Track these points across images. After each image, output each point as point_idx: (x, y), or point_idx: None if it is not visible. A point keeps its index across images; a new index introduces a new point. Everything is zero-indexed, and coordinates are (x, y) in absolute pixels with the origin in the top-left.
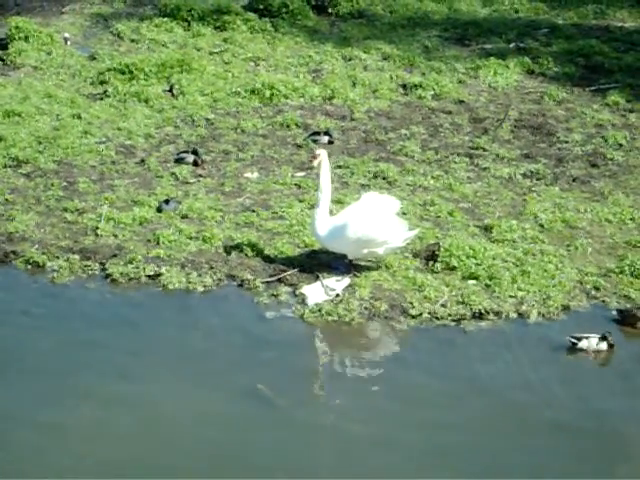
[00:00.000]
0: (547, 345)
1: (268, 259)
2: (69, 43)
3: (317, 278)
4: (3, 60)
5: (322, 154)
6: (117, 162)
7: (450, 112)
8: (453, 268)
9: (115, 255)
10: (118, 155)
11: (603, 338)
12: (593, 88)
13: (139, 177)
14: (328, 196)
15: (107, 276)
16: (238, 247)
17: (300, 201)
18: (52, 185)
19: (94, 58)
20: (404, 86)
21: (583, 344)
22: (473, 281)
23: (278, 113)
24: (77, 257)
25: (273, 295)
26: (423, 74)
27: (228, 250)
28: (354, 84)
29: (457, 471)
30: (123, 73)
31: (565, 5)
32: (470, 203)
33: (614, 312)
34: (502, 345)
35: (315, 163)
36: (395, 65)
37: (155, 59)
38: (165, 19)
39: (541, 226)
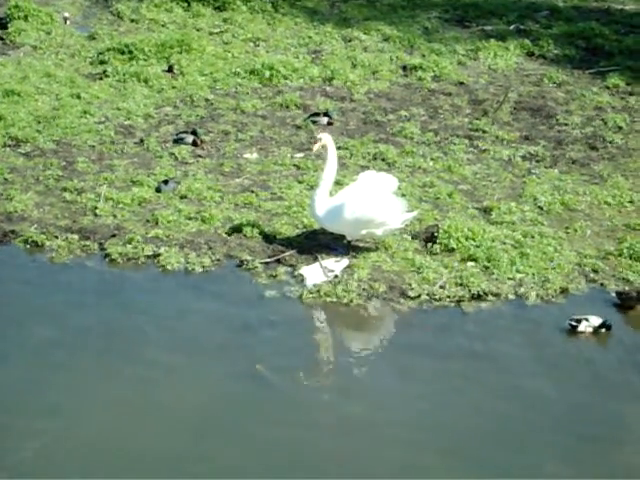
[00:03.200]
0: (545, 327)
1: (267, 240)
2: (69, 23)
3: (316, 259)
4: (3, 39)
5: (326, 137)
6: (116, 142)
7: (450, 94)
8: (452, 250)
9: (114, 235)
10: (117, 135)
11: (602, 325)
12: (593, 70)
13: (138, 157)
14: (331, 179)
15: (106, 256)
16: (237, 228)
17: (299, 182)
18: (51, 165)
19: (94, 38)
20: (404, 67)
21: (582, 327)
22: (472, 263)
23: (278, 94)
24: (76, 237)
25: (272, 276)
26: (423, 55)
27: (227, 231)
28: (354, 65)
29: (451, 455)
30: (123, 53)
31: None
32: (469, 185)
33: (613, 294)
34: (500, 326)
35: (315, 147)
36: (395, 46)
37: (155, 39)
38: None
39: (540, 208)
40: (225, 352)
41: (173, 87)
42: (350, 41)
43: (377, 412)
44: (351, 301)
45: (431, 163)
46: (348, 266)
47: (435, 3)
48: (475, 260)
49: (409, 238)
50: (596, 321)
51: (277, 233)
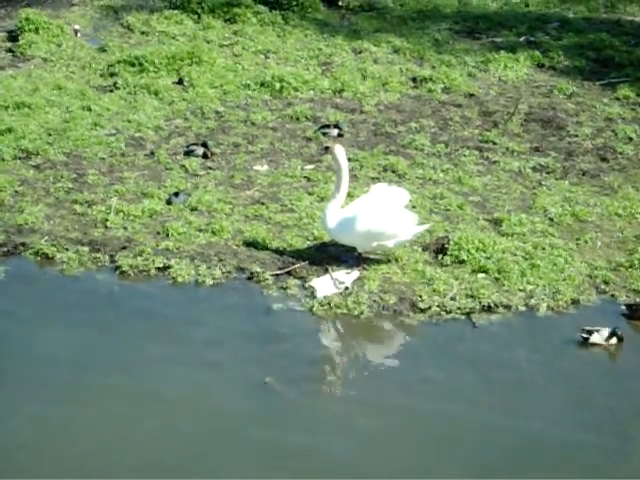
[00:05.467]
0: (556, 339)
1: (277, 252)
2: (79, 35)
3: (326, 271)
4: (13, 52)
5: (339, 149)
6: (127, 154)
7: (460, 105)
8: (462, 261)
9: (124, 247)
10: (128, 147)
11: (613, 333)
12: (603, 82)
13: (149, 169)
14: (344, 191)
15: (116, 268)
16: (247, 240)
17: (309, 194)
18: (62, 177)
19: (104, 50)
20: (414, 79)
21: (594, 338)
22: (482, 274)
23: (288, 106)
24: (86, 249)
25: (282, 288)
26: (433, 67)
27: (237, 243)
28: (364, 77)
29: (468, 468)
30: (133, 65)
31: None
32: (480, 196)
33: (623, 306)
34: (511, 339)
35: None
36: (405, 58)
37: (165, 51)
38: (175, 11)
39: (551, 220)
40: (235, 364)
41: (183, 99)
42: (360, 53)
43: (386, 425)
44: (362, 313)
45: (441, 175)
46: (359, 278)
47: (445, 15)
48: (486, 272)
49: (419, 250)
50: (607, 332)
51: (287, 245)
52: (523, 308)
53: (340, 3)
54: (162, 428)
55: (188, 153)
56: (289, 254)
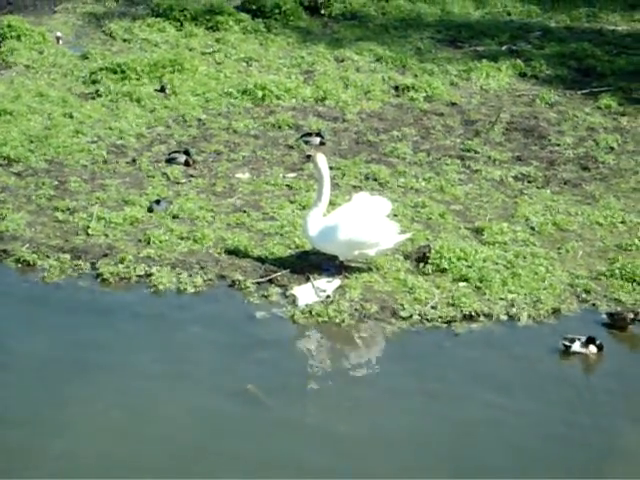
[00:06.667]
0: (537, 348)
1: (259, 260)
2: (61, 42)
3: (308, 279)
4: None
5: (321, 158)
6: (108, 162)
7: (442, 114)
8: (444, 270)
9: (106, 255)
10: (109, 155)
11: (589, 340)
12: (585, 91)
13: (130, 177)
14: (326, 200)
15: (98, 276)
16: (229, 248)
17: (291, 202)
18: (43, 184)
19: (86, 57)
20: (396, 88)
21: (575, 347)
22: (464, 283)
23: (270, 114)
24: (68, 256)
25: (264, 296)
26: (415, 76)
27: (219, 251)
28: (346, 85)
29: (447, 473)
30: (115, 73)
31: (558, 8)
32: (461, 205)
33: (604, 315)
34: (492, 347)
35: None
36: (387, 67)
37: (147, 59)
38: (158, 19)
39: (532, 229)
40: (216, 372)
41: (165, 107)
42: (342, 61)
43: (367, 432)
44: (343, 321)
45: (423, 183)
46: (340, 286)
47: (427, 23)
48: (467, 280)
49: (401, 258)
50: (586, 341)
51: (269, 253)
52: (504, 317)
53: (322, 12)
54: (144, 434)
55: (170, 161)
56: (271, 262)
